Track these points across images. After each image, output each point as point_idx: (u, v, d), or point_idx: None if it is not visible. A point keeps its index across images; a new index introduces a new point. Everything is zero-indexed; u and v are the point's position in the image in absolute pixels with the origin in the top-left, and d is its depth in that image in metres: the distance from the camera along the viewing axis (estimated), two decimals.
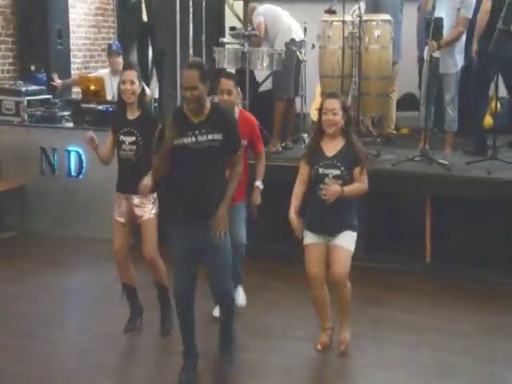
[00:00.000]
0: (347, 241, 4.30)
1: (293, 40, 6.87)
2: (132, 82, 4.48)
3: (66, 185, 7.00)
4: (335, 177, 4.23)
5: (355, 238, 4.35)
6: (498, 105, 6.66)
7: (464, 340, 4.69)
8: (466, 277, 5.76)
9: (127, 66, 4.88)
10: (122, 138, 4.56)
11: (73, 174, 6.96)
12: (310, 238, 4.34)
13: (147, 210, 4.57)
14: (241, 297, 5.09)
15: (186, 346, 4.12)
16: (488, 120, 7.37)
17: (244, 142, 4.45)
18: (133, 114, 4.58)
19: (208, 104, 3.87)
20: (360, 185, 4.29)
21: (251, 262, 5.51)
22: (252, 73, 7.06)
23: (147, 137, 4.43)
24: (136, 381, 4.26)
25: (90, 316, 5.14)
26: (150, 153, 4.34)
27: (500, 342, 4.68)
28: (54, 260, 6.26)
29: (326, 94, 4.52)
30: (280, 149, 6.80)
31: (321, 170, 4.26)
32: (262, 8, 7.19)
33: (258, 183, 4.89)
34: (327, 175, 4.24)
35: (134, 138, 4.51)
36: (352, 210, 4.38)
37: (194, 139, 3.80)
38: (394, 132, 7.85)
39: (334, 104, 4.22)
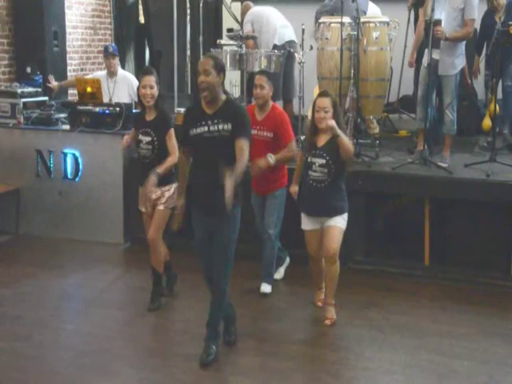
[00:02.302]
0: (338, 221, 4.80)
1: (274, 46, 6.99)
2: (151, 87, 4.91)
3: (62, 187, 6.95)
4: (321, 165, 4.71)
5: (346, 218, 4.85)
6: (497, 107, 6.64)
7: (463, 343, 4.67)
8: (465, 279, 5.74)
9: (147, 71, 5.17)
10: (140, 137, 5.03)
11: (69, 176, 6.92)
12: (306, 225, 4.92)
13: (162, 202, 5.02)
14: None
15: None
16: (487, 122, 7.34)
17: (270, 134, 5.14)
18: (150, 116, 5.02)
19: (223, 97, 4.14)
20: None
21: (249, 264, 5.49)
22: None
23: (161, 136, 4.94)
24: None
25: (86, 319, 5.10)
26: (164, 150, 4.91)
27: (499, 345, 4.66)
28: (49, 263, 6.23)
29: (318, 93, 4.89)
30: None
31: (309, 159, 4.77)
32: (251, 13, 7.30)
33: (272, 156, 5.02)
34: (314, 163, 4.73)
35: (150, 138, 4.98)
36: (340, 194, 4.83)
37: (206, 129, 4.09)
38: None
39: (326, 103, 4.68)
